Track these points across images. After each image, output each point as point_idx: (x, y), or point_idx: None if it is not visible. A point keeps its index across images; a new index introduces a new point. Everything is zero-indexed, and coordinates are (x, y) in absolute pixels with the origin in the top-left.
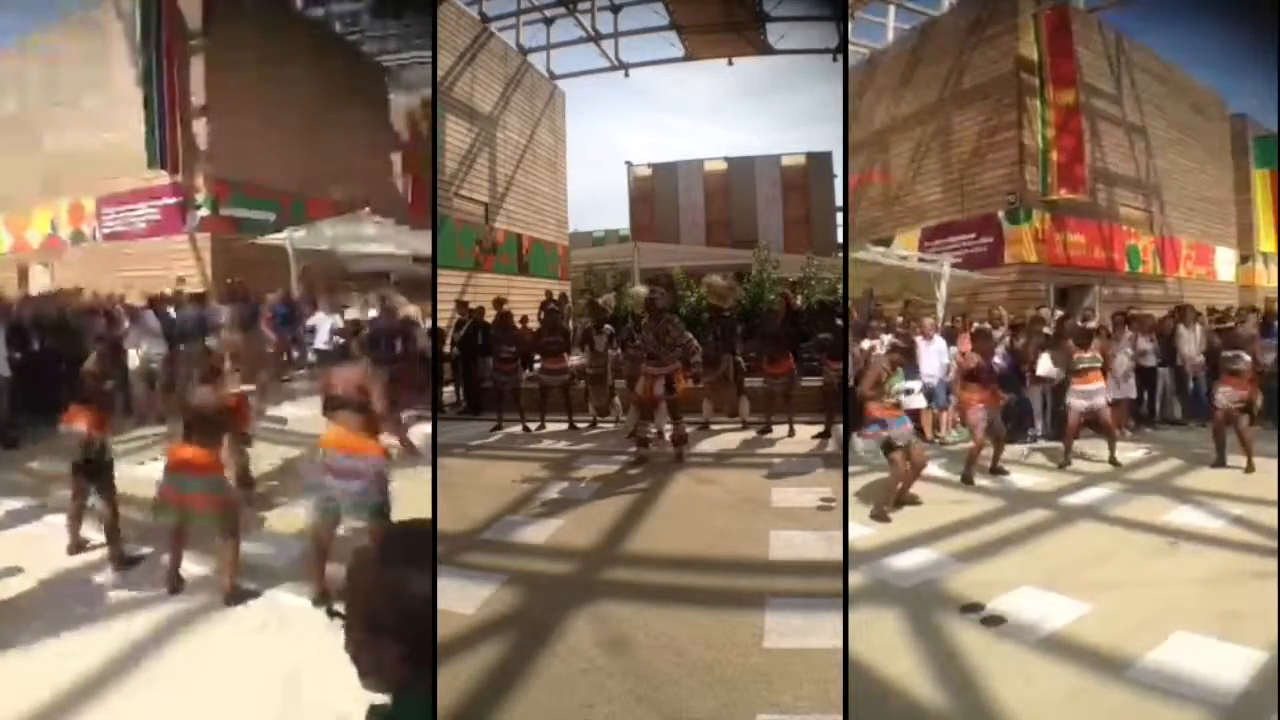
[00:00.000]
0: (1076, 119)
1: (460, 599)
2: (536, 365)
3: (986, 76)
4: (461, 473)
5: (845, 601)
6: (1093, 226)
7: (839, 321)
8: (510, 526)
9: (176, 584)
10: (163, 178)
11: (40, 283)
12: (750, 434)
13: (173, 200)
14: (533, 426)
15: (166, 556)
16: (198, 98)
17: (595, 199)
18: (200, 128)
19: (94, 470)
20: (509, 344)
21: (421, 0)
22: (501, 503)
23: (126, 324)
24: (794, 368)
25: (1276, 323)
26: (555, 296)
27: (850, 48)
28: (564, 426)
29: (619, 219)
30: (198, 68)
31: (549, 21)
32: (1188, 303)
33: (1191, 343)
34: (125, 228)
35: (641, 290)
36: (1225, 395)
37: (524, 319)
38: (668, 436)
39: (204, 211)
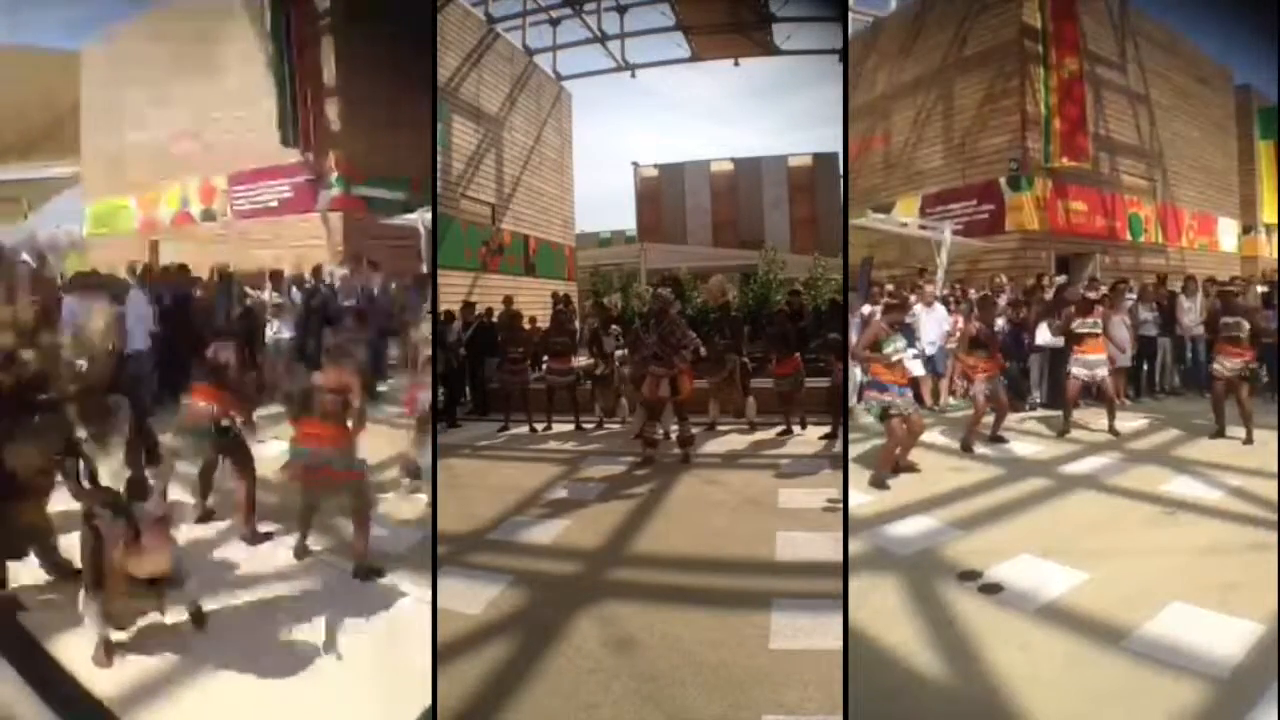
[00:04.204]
0: (1079, 87)
1: (466, 599)
2: (544, 366)
3: (990, 43)
4: (468, 473)
5: (845, 603)
6: (1094, 194)
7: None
8: (516, 527)
9: (303, 554)
10: (294, 156)
11: (171, 260)
12: (757, 435)
13: (304, 178)
14: (539, 427)
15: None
16: (329, 76)
17: (602, 200)
18: (332, 106)
19: (224, 446)
20: (517, 345)
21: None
22: (508, 503)
23: (264, 301)
24: (801, 368)
25: (1277, 293)
26: (561, 297)
27: (853, 15)
28: (571, 427)
29: (625, 220)
30: (328, 46)
31: (555, 22)
32: (1191, 272)
33: (1192, 312)
34: (256, 206)
35: (646, 290)
36: (1224, 364)
37: (533, 319)
38: (674, 437)
39: (335, 191)
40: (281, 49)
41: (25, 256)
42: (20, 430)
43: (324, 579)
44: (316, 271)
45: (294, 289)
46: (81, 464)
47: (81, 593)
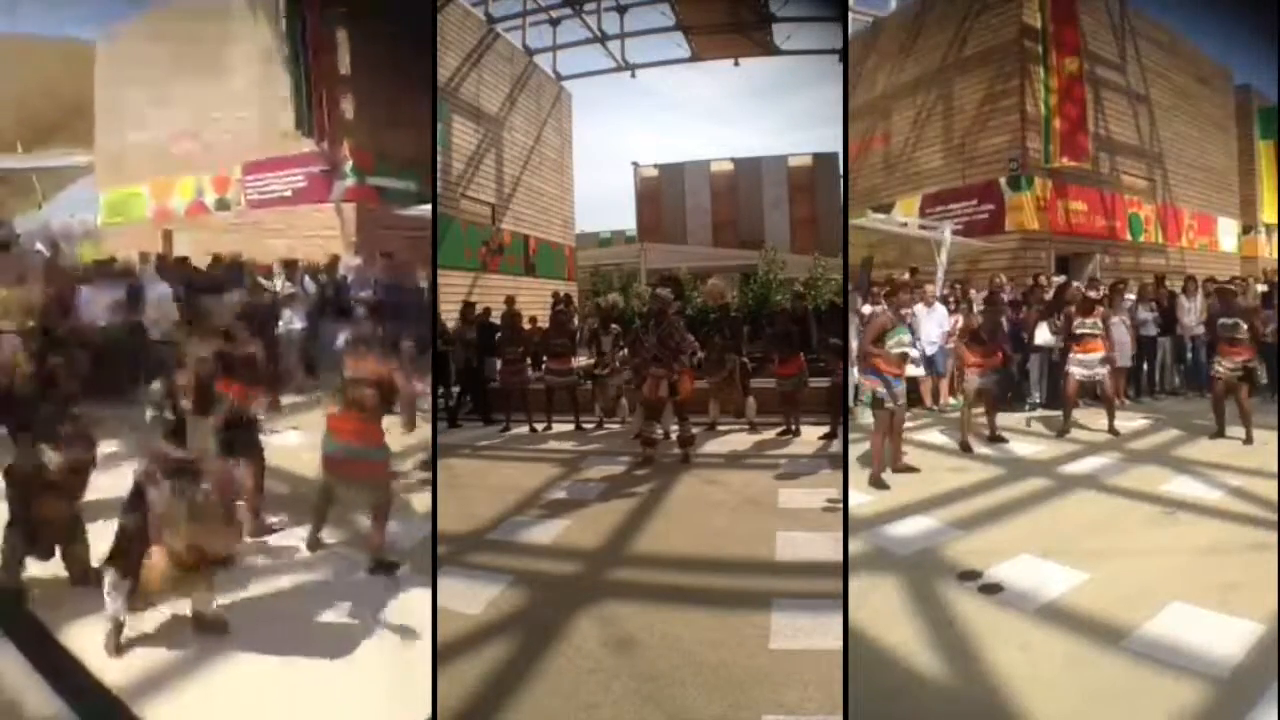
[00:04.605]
0: (1080, 87)
1: (466, 599)
2: (544, 366)
3: (990, 43)
4: (468, 473)
5: (845, 603)
6: (1094, 194)
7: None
8: (516, 527)
9: (317, 545)
10: (308, 145)
11: (184, 249)
12: (758, 435)
13: (318, 169)
14: (539, 427)
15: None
16: (343, 66)
17: (602, 200)
18: (346, 97)
19: (237, 436)
20: (517, 345)
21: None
22: (508, 503)
23: (279, 290)
24: (804, 368)
25: (1277, 293)
26: (561, 297)
27: (853, 15)
28: (571, 427)
29: (625, 220)
30: (342, 43)
31: (555, 22)
32: (1191, 272)
33: (1192, 313)
34: (270, 195)
35: (646, 291)
36: (1223, 364)
37: (533, 319)
38: (674, 438)
39: (350, 181)
40: (296, 36)
41: (39, 245)
42: (57, 423)
43: (330, 574)
44: (331, 262)
45: (307, 279)
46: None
47: (111, 570)
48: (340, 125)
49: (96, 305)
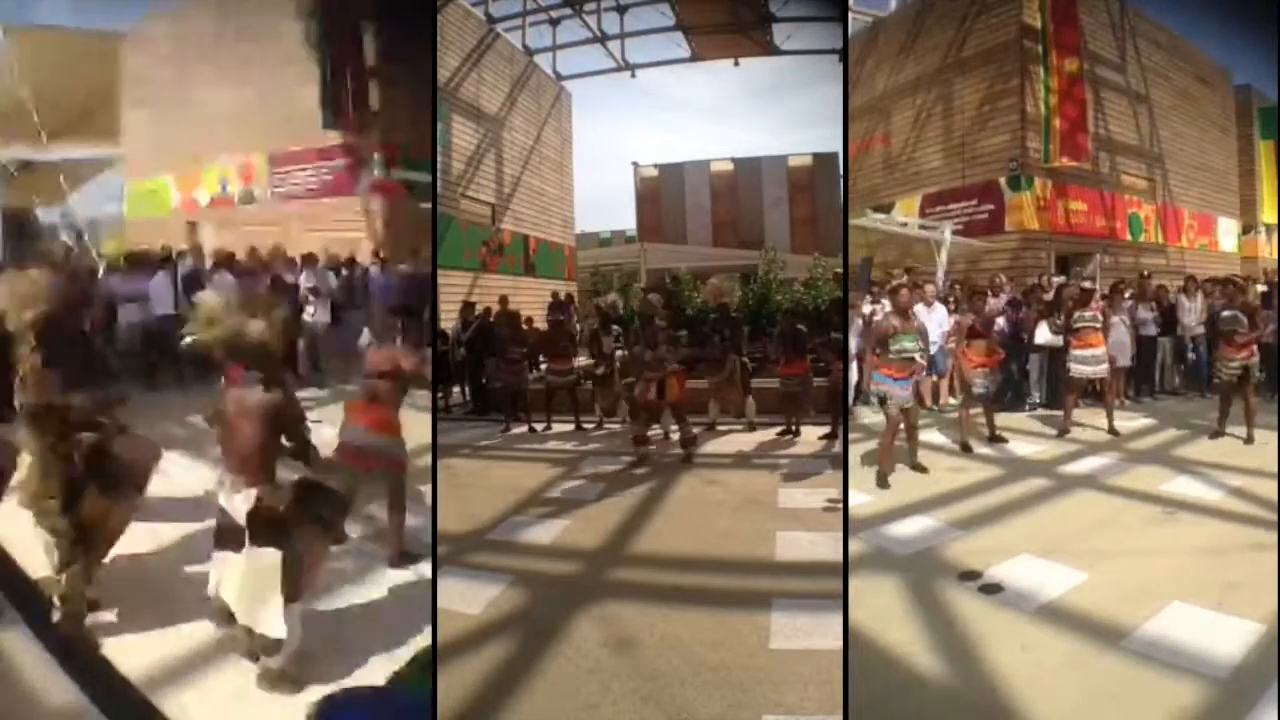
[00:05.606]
0: (1080, 87)
1: (466, 599)
2: (543, 366)
3: (990, 43)
4: (468, 473)
5: (845, 603)
6: (1094, 194)
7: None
8: (516, 527)
9: (342, 536)
10: (335, 138)
11: (210, 241)
12: (759, 435)
13: (345, 161)
14: (539, 427)
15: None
16: (365, 63)
17: (602, 200)
18: (373, 90)
19: None
20: (516, 344)
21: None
22: (508, 503)
23: (301, 283)
24: (809, 369)
25: (1277, 293)
26: (561, 297)
27: (853, 15)
28: (571, 427)
29: (625, 220)
30: (360, 34)
31: (555, 22)
32: (1190, 272)
33: (1192, 312)
34: (296, 188)
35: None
36: (1227, 361)
37: (529, 320)
38: (675, 438)
39: (377, 174)
40: (320, 43)
41: (65, 237)
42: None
43: (342, 569)
44: (352, 256)
45: (330, 273)
46: None
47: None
48: (365, 120)
49: (159, 294)
